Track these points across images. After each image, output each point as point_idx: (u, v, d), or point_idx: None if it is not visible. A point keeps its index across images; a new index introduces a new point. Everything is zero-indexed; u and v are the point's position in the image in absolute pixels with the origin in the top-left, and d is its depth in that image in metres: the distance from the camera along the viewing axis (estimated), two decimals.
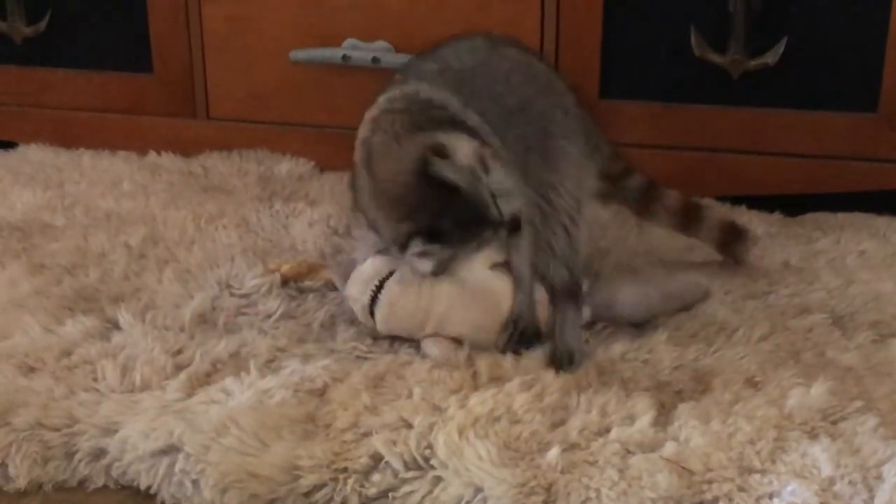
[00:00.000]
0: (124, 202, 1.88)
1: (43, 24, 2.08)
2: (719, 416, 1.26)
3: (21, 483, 1.23)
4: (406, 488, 1.19)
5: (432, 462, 1.20)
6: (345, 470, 1.20)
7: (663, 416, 1.27)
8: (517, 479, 1.16)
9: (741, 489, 1.15)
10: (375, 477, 1.19)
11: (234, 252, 1.67)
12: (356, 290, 1.44)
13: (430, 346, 1.41)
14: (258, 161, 2.04)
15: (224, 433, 1.23)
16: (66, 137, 2.13)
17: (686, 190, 1.67)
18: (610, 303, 1.48)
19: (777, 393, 1.30)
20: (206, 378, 1.36)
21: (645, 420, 1.25)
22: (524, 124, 1.42)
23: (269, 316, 1.51)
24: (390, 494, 1.19)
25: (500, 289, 1.40)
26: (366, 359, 1.41)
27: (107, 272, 1.63)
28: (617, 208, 1.70)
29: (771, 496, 1.15)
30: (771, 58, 1.80)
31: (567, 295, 1.43)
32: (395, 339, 1.45)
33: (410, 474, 1.19)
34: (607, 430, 1.23)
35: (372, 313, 1.43)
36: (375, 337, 1.46)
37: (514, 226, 1.36)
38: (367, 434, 1.23)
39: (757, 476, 1.17)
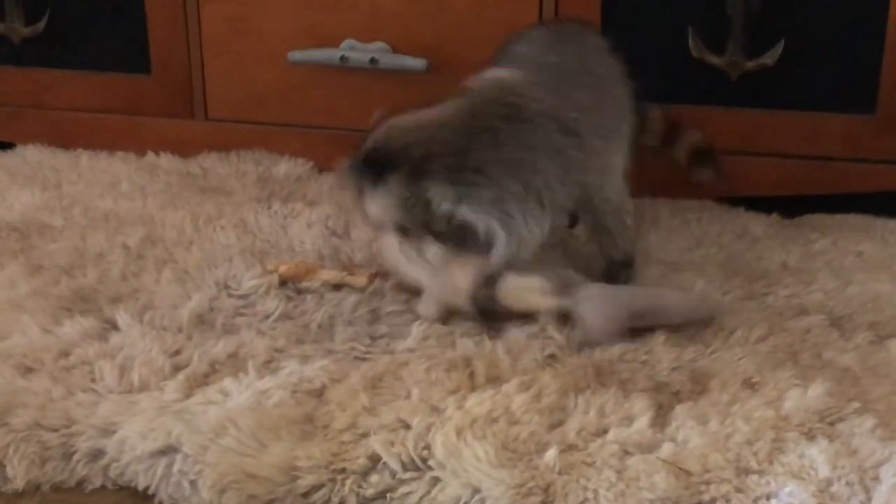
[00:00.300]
0: (122, 203, 1.88)
1: (41, 25, 2.08)
2: (717, 417, 1.26)
3: (19, 484, 1.23)
4: (404, 489, 1.19)
5: (430, 463, 1.20)
6: (343, 471, 1.20)
7: (661, 417, 1.27)
8: (515, 480, 1.16)
9: (738, 490, 1.16)
10: (373, 478, 1.20)
11: (233, 253, 1.67)
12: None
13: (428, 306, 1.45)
14: (256, 162, 2.04)
15: (222, 434, 1.23)
16: (65, 138, 2.12)
17: (684, 191, 1.67)
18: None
19: (774, 394, 1.30)
20: (204, 379, 1.36)
21: (643, 421, 1.25)
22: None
23: (268, 316, 1.51)
24: (388, 495, 1.19)
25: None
26: (364, 359, 1.41)
27: (105, 273, 1.63)
28: None
29: (768, 497, 1.15)
30: (769, 59, 1.80)
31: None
32: (392, 339, 1.45)
33: (408, 475, 1.19)
34: (605, 431, 1.24)
35: None
36: (374, 337, 1.46)
37: None
38: (365, 435, 1.23)
39: (754, 477, 1.17)
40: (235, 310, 1.53)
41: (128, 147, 2.10)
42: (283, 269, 1.59)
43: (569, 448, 1.21)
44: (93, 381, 1.36)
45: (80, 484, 1.25)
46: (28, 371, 1.37)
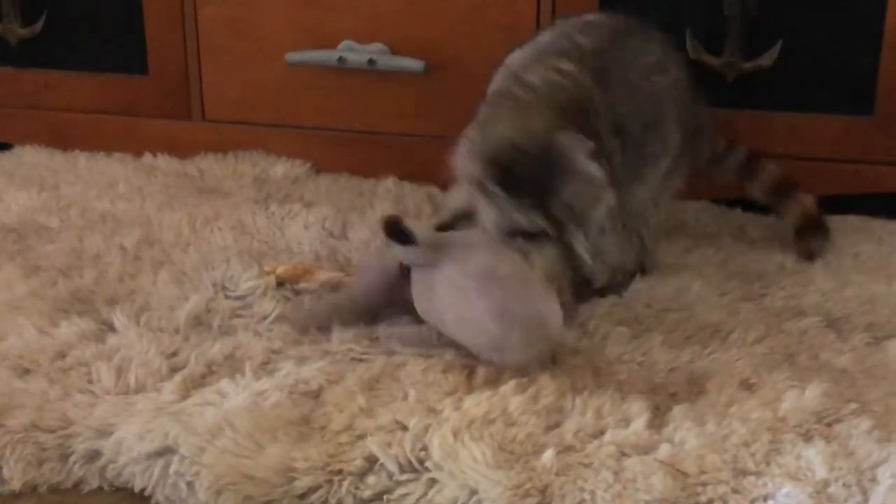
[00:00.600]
0: (120, 204, 1.88)
1: (39, 26, 2.08)
2: (714, 418, 1.26)
3: (15, 485, 1.23)
4: (401, 490, 1.19)
5: (427, 464, 1.20)
6: (340, 472, 1.20)
7: (658, 418, 1.27)
8: (512, 482, 1.16)
9: (735, 491, 1.15)
10: (370, 479, 1.19)
11: (230, 254, 1.67)
12: None
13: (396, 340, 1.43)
14: (254, 163, 2.04)
15: (219, 435, 1.23)
16: (62, 139, 2.12)
17: (681, 193, 1.67)
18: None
19: (772, 395, 1.30)
20: (201, 380, 1.36)
21: (640, 422, 1.25)
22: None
23: (265, 318, 1.51)
24: (385, 496, 1.19)
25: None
26: (361, 360, 1.41)
27: (102, 274, 1.63)
28: None
29: (765, 498, 1.15)
30: (766, 60, 1.81)
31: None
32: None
33: (405, 476, 1.19)
34: (602, 433, 1.24)
35: None
36: (371, 338, 1.46)
37: None
38: (362, 436, 1.23)
39: (751, 478, 1.17)
40: (232, 311, 1.53)
41: (125, 148, 2.10)
42: (280, 270, 1.59)
43: (566, 449, 1.21)
44: (89, 382, 1.35)
45: (77, 485, 1.25)
46: (25, 372, 1.37)
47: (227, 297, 1.56)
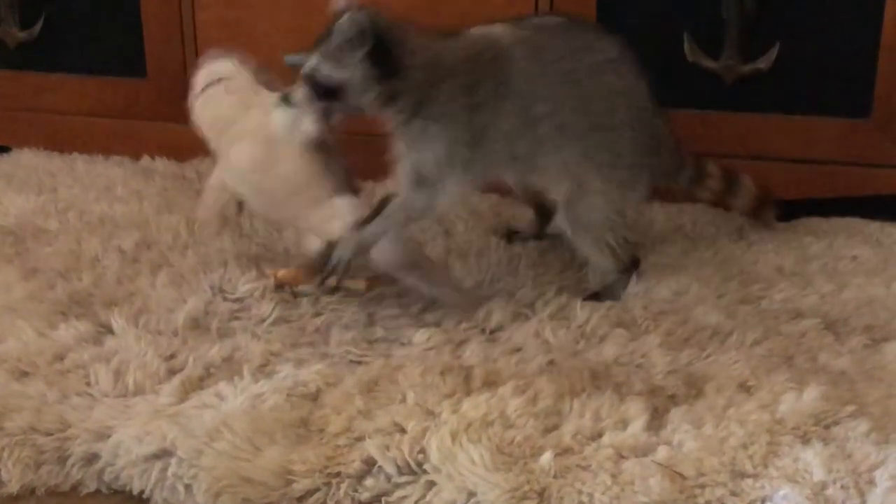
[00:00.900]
0: (118, 207, 1.88)
1: (37, 29, 2.08)
2: (712, 420, 1.26)
3: (14, 487, 1.23)
4: (399, 493, 1.19)
5: (425, 467, 1.20)
6: (338, 474, 1.20)
7: (656, 420, 1.27)
8: (510, 484, 1.16)
9: (733, 494, 1.15)
10: (369, 481, 1.19)
11: (228, 256, 1.67)
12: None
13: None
14: None
15: (217, 438, 1.23)
16: (60, 142, 2.12)
17: (679, 195, 1.67)
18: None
19: (770, 398, 1.30)
20: (200, 382, 1.36)
21: (638, 424, 1.25)
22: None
23: (263, 320, 1.51)
24: (383, 499, 1.19)
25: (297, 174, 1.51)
26: (359, 363, 1.41)
27: (100, 277, 1.63)
28: None
29: (763, 500, 1.15)
30: (764, 63, 1.81)
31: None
32: (388, 343, 1.45)
33: (403, 479, 1.19)
34: (600, 435, 1.24)
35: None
36: (370, 341, 1.46)
37: None
38: (360, 439, 1.23)
39: (749, 480, 1.17)
40: (231, 313, 1.53)
41: (123, 151, 2.10)
42: (280, 273, 1.59)
43: (564, 452, 1.21)
44: (88, 384, 1.35)
45: (75, 488, 1.25)
46: (23, 375, 1.37)
47: (225, 299, 1.56)
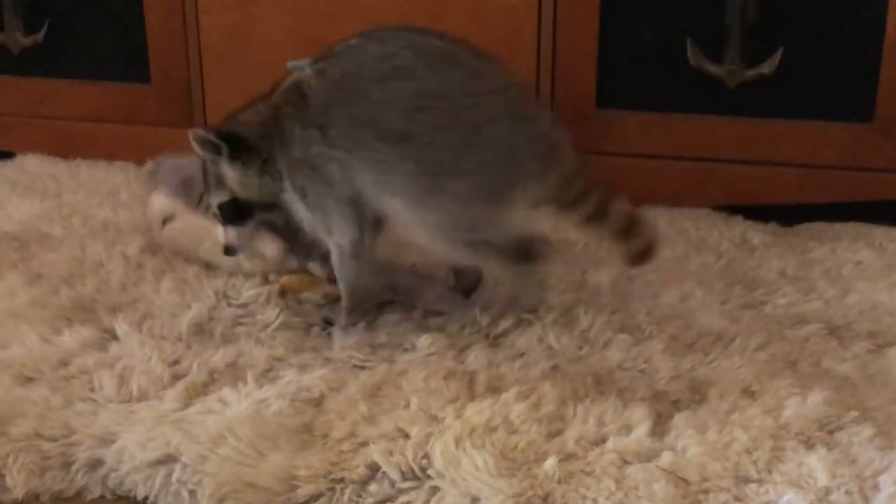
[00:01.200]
0: (122, 212, 1.88)
1: (41, 35, 2.09)
2: (716, 425, 1.26)
3: (18, 493, 1.23)
4: (403, 498, 1.19)
5: (429, 472, 1.20)
6: (342, 480, 1.20)
7: (660, 425, 1.27)
8: (514, 489, 1.16)
9: (737, 499, 1.15)
10: (372, 487, 1.19)
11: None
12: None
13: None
14: None
15: (221, 443, 1.23)
16: (64, 147, 2.13)
17: (682, 200, 1.67)
18: None
19: (773, 403, 1.30)
20: (204, 388, 1.36)
21: (642, 430, 1.25)
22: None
23: (267, 326, 1.51)
24: None
25: None
26: (363, 368, 1.41)
27: (104, 282, 1.63)
28: None
29: None
30: (767, 68, 1.81)
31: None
32: (392, 348, 1.45)
33: (407, 484, 1.19)
34: (604, 440, 1.24)
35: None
36: (373, 346, 1.46)
37: None
38: (364, 444, 1.23)
39: (753, 486, 1.17)
40: (234, 319, 1.53)
41: (127, 156, 2.10)
42: (284, 279, 1.59)
43: (568, 457, 1.21)
44: (92, 390, 1.36)
45: (80, 493, 1.25)
46: (27, 381, 1.37)
47: (229, 305, 1.56)
